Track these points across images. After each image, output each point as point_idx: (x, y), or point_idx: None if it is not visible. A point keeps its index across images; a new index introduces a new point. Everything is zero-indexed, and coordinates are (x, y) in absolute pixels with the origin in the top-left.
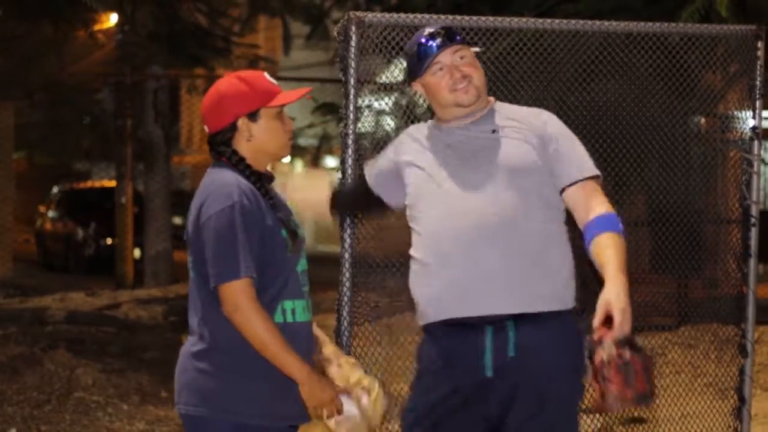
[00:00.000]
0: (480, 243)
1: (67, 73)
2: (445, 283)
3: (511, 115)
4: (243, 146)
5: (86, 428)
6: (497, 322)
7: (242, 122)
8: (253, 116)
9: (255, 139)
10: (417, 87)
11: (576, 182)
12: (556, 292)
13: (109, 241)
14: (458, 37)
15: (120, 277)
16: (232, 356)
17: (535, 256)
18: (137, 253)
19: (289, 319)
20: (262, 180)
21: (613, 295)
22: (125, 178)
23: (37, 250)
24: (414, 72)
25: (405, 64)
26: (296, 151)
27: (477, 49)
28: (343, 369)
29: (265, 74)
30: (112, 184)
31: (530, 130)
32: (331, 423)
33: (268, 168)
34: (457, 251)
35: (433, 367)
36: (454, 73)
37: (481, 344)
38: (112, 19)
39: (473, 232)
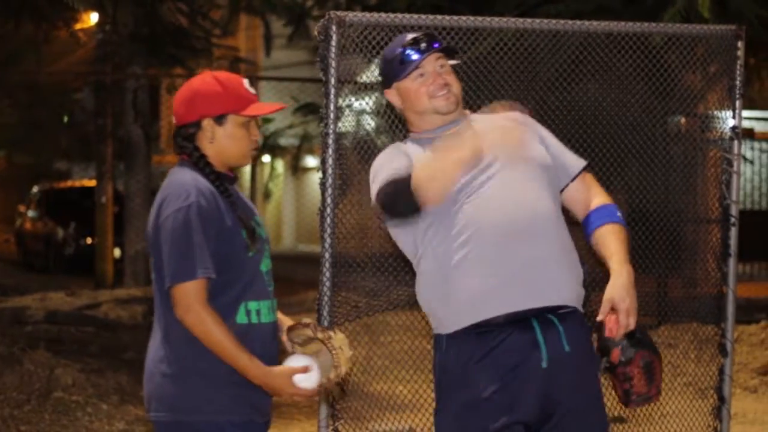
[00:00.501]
0: (529, 236)
1: (46, 73)
2: (503, 278)
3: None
4: (205, 146)
5: (66, 428)
6: (540, 316)
7: (207, 123)
8: (219, 120)
9: (217, 143)
10: (391, 93)
11: (576, 176)
12: (581, 290)
13: (89, 240)
14: (437, 44)
15: (100, 276)
16: (193, 357)
17: (567, 252)
18: (117, 252)
19: (254, 320)
20: (222, 179)
21: (617, 293)
22: (105, 177)
23: (17, 250)
24: (393, 76)
25: (381, 68)
26: (277, 151)
27: (454, 62)
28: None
29: (245, 81)
30: (92, 183)
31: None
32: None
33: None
34: (509, 245)
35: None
36: (437, 79)
37: (533, 338)
38: (93, 18)
39: (522, 225)
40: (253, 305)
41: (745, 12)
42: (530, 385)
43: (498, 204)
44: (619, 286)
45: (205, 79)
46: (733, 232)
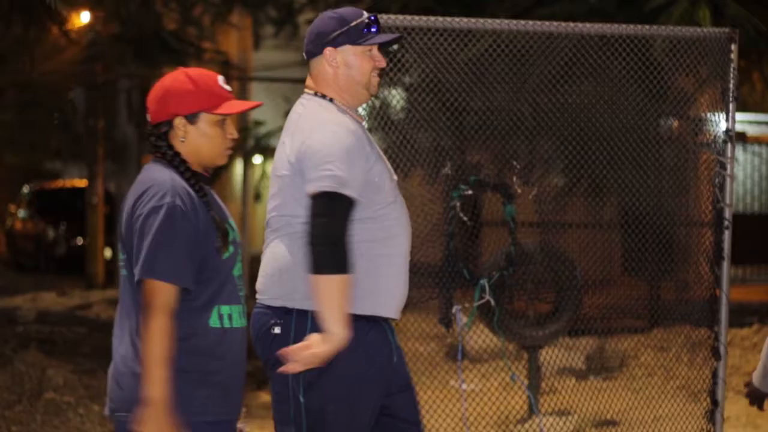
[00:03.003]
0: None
1: (38, 73)
2: (404, 282)
3: None
4: (177, 144)
5: (57, 429)
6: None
7: (179, 122)
8: (191, 118)
9: (189, 142)
10: (334, 53)
11: None
12: None
13: (80, 241)
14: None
15: (91, 277)
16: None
17: None
18: (108, 253)
19: (227, 324)
20: (197, 178)
21: None
22: (96, 177)
23: (8, 250)
24: (352, 38)
25: (330, 25)
26: (268, 152)
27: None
28: None
29: (219, 78)
30: (84, 183)
31: None
32: None
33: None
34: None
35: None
36: (382, 62)
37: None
38: (84, 18)
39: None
40: (225, 309)
41: (739, 20)
42: (388, 376)
43: (406, 217)
44: None
45: (177, 77)
46: (727, 235)
